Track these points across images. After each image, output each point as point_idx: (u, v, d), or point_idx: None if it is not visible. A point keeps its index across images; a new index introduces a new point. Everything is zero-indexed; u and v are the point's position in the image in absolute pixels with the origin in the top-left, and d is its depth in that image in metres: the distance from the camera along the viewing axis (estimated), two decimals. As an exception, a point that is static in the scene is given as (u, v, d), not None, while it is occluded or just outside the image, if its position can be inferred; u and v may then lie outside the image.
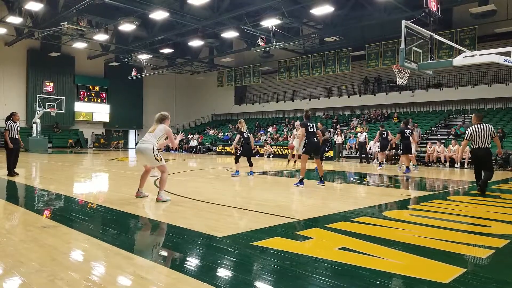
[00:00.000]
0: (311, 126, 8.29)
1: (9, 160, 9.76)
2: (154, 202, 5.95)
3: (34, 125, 26.35)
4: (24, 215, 5.14)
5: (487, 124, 7.55)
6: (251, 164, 10.93)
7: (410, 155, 13.13)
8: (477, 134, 7.49)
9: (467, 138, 7.66)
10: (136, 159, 6.83)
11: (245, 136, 10.77)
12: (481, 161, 7.69)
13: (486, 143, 7.48)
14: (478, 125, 7.56)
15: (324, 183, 8.52)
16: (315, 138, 8.27)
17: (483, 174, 7.79)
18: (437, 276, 2.93)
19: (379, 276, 2.95)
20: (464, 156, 16.55)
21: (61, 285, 2.64)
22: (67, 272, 2.89)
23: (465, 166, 16.37)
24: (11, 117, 9.86)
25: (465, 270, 3.06)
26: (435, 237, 4.08)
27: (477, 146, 7.55)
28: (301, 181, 8.24)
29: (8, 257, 3.19)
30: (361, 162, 18.70)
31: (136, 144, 7.40)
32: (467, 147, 9.03)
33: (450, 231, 4.41)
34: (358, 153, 20.12)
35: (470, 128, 7.65)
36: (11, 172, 9.67)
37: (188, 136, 31.89)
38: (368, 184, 9.77)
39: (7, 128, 9.68)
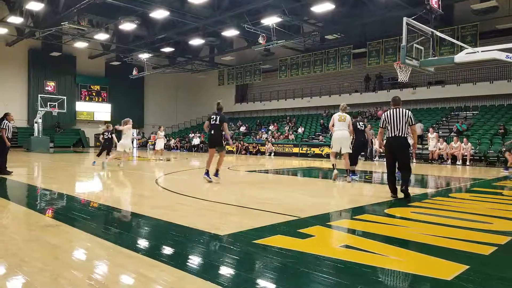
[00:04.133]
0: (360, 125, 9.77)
1: (3, 158, 9.87)
2: (156, 202, 5.95)
3: (35, 125, 26.42)
4: (26, 214, 5.16)
5: (405, 109, 6.43)
6: (107, 154, 13.50)
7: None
8: (392, 119, 6.36)
9: (381, 126, 6.60)
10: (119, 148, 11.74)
11: (105, 137, 13.58)
12: (396, 153, 6.41)
13: (402, 131, 6.29)
14: (394, 109, 6.45)
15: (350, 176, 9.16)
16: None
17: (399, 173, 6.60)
18: (439, 273, 2.93)
19: (381, 273, 2.95)
20: (461, 152, 16.52)
21: (64, 284, 2.64)
22: (70, 271, 2.90)
23: (467, 164, 16.35)
24: (6, 117, 9.96)
25: (467, 267, 3.06)
26: (437, 234, 4.08)
27: (392, 135, 6.38)
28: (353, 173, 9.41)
29: (12, 256, 3.20)
30: (365, 160, 18.59)
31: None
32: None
33: (452, 228, 4.41)
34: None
35: (384, 113, 6.62)
36: (4, 170, 9.76)
37: (190, 135, 31.92)
38: (370, 182, 9.76)
39: (3, 127, 9.77)
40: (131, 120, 12.36)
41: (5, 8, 24.03)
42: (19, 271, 2.87)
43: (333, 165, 9.05)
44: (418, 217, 5.05)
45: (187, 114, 39.56)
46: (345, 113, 8.78)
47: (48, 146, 26.25)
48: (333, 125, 8.84)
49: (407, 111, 6.40)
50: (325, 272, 2.94)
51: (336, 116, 8.80)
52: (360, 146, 9.94)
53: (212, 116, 8.19)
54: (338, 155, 9.25)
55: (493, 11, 19.67)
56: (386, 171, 6.68)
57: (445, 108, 23.90)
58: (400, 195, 6.47)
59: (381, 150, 14.62)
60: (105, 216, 5.18)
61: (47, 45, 29.87)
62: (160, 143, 16.22)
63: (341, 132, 8.71)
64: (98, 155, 13.95)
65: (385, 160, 6.89)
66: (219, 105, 8.32)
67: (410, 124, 6.33)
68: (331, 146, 9.11)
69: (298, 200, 6.43)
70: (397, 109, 6.42)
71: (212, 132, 8.15)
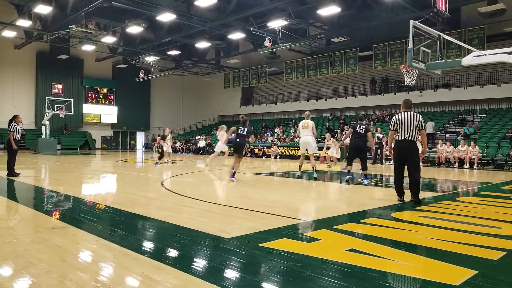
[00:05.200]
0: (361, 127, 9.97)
1: (11, 160, 9.97)
2: (162, 204, 5.97)
3: (43, 127, 26.64)
4: (33, 216, 5.19)
5: (415, 113, 6.43)
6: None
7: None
8: (402, 122, 6.35)
9: (391, 128, 6.59)
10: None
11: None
12: (405, 155, 6.39)
13: (412, 135, 6.29)
14: (404, 113, 6.45)
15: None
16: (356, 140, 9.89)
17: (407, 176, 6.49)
18: (447, 278, 2.90)
19: (388, 278, 2.93)
20: (472, 156, 16.40)
21: (70, 286, 2.65)
22: (76, 272, 2.91)
23: (475, 167, 16.20)
24: (14, 119, 10.06)
25: (476, 272, 3.02)
26: (445, 239, 4.04)
27: (402, 138, 6.37)
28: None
29: (18, 258, 3.22)
30: (374, 163, 18.41)
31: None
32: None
33: (460, 233, 4.36)
34: (372, 154, 19.84)
35: (395, 116, 6.59)
36: (12, 172, 9.85)
37: (196, 137, 32.00)
38: (377, 185, 9.71)
39: (11, 129, 9.88)
40: (225, 127, 15.63)
41: (14, 12, 24.31)
42: (26, 273, 2.88)
43: (313, 167, 10.27)
44: (425, 221, 5.01)
45: (193, 116, 39.70)
46: (309, 119, 10.21)
47: (55, 148, 26.45)
48: (300, 132, 10.34)
49: (418, 115, 6.41)
50: (331, 276, 2.92)
51: (300, 124, 10.34)
52: (355, 149, 9.99)
53: (240, 127, 9.59)
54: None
55: (501, 13, 19.51)
56: (394, 174, 6.63)
57: (452, 111, 23.74)
58: (407, 198, 6.44)
59: (387, 154, 14.44)
60: (111, 218, 5.20)
61: (54, 48, 30.17)
62: (167, 145, 16.36)
63: (305, 137, 10.11)
64: (159, 157, 15.37)
65: (392, 163, 6.86)
66: (243, 118, 9.86)
67: (420, 128, 6.36)
68: (300, 149, 10.74)
69: (304, 203, 6.41)
70: (408, 113, 6.43)
71: (238, 140, 9.44)
